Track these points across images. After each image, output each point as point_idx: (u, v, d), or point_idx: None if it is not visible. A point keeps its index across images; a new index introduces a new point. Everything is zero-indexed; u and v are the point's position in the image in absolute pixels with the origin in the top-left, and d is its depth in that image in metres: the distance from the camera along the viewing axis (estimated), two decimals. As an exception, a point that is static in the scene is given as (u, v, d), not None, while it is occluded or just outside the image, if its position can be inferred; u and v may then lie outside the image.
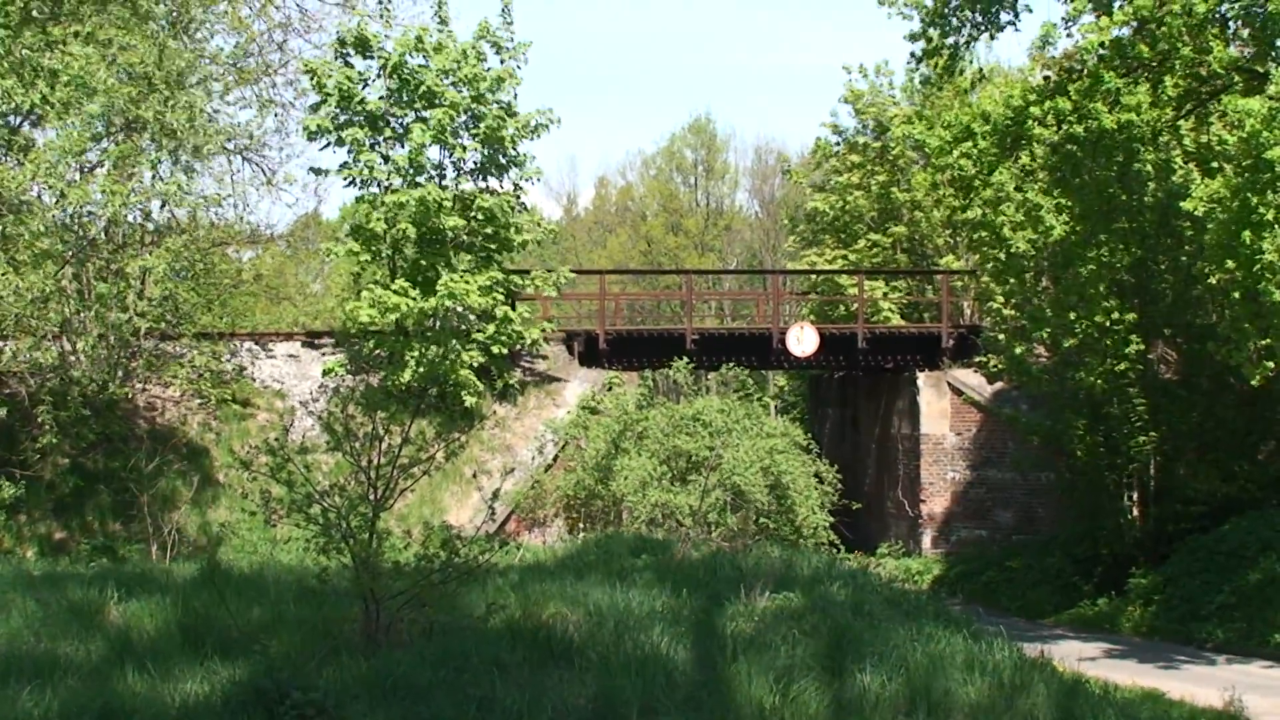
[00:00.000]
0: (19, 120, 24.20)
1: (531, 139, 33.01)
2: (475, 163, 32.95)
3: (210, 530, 28.30)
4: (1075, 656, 17.51)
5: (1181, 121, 25.02)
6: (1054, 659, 13.13)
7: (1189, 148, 25.97)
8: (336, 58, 32.50)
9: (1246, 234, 20.32)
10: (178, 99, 26.66)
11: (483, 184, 33.08)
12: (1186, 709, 15.55)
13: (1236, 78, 22.97)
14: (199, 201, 29.32)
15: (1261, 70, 22.71)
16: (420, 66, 31.94)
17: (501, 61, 32.76)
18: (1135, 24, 22.94)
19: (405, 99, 32.11)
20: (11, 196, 21.97)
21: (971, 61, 25.60)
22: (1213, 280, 22.30)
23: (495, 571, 13.14)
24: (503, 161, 32.86)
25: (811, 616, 12.41)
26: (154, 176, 29.30)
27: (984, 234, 28.01)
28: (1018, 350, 30.28)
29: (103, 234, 26.77)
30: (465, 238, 32.06)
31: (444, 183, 32.33)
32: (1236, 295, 21.81)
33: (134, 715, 9.15)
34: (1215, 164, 23.04)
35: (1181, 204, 23.69)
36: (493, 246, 32.56)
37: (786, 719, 9.72)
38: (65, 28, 23.61)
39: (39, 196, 23.59)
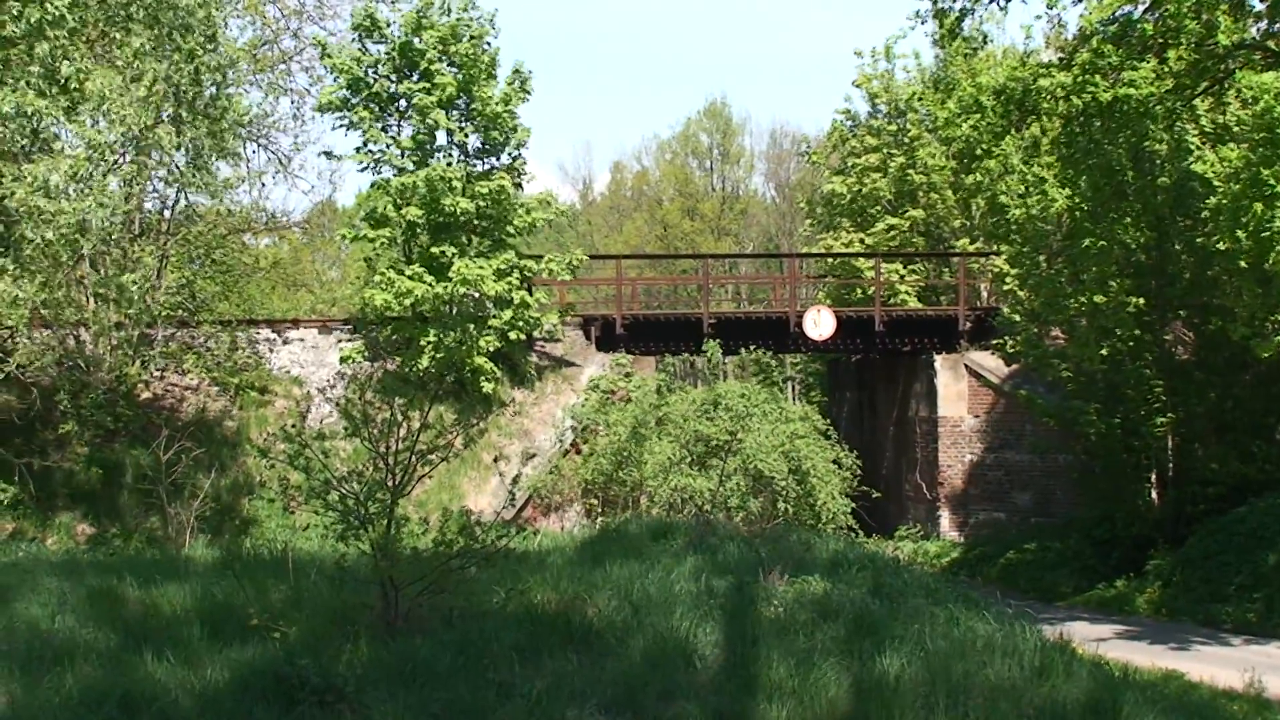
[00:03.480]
0: (36, 126, 23.84)
1: (520, 101, 33.16)
2: (477, 145, 33.10)
3: (229, 517, 28.38)
4: (1093, 638, 17.48)
5: (1197, 101, 24.93)
6: (1073, 640, 13.10)
7: (1206, 127, 25.88)
8: (355, 43, 32.72)
9: (1258, 206, 20.29)
10: (212, 105, 26.60)
11: (485, 166, 33.21)
12: (1206, 690, 15.51)
13: (1256, 55, 22.87)
14: (217, 186, 29.30)
15: (1276, 47, 22.62)
16: (418, 47, 32.21)
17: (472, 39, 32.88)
18: (1145, 1, 22.86)
19: (414, 79, 32.31)
20: (21, 205, 21.80)
21: (978, 25, 25.43)
22: (1222, 246, 22.24)
23: (514, 557, 13.12)
24: (498, 138, 32.93)
25: (831, 600, 12.40)
26: (170, 171, 29.36)
27: (985, 201, 28.11)
28: (1031, 330, 30.38)
29: (106, 238, 26.62)
30: (475, 221, 32.12)
31: (447, 164, 32.42)
32: (1244, 264, 21.81)
33: (154, 701, 9.17)
34: (1231, 145, 22.97)
35: (1194, 167, 23.67)
36: (502, 231, 32.54)
37: (806, 703, 9.71)
38: (85, 42, 23.29)
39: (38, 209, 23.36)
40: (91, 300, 27.06)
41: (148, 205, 29.73)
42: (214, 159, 27.58)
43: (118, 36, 23.10)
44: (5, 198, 21.59)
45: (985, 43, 27.49)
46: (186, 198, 30.11)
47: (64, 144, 23.66)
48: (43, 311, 25.17)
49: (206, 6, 24.49)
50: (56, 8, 20.45)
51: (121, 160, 25.85)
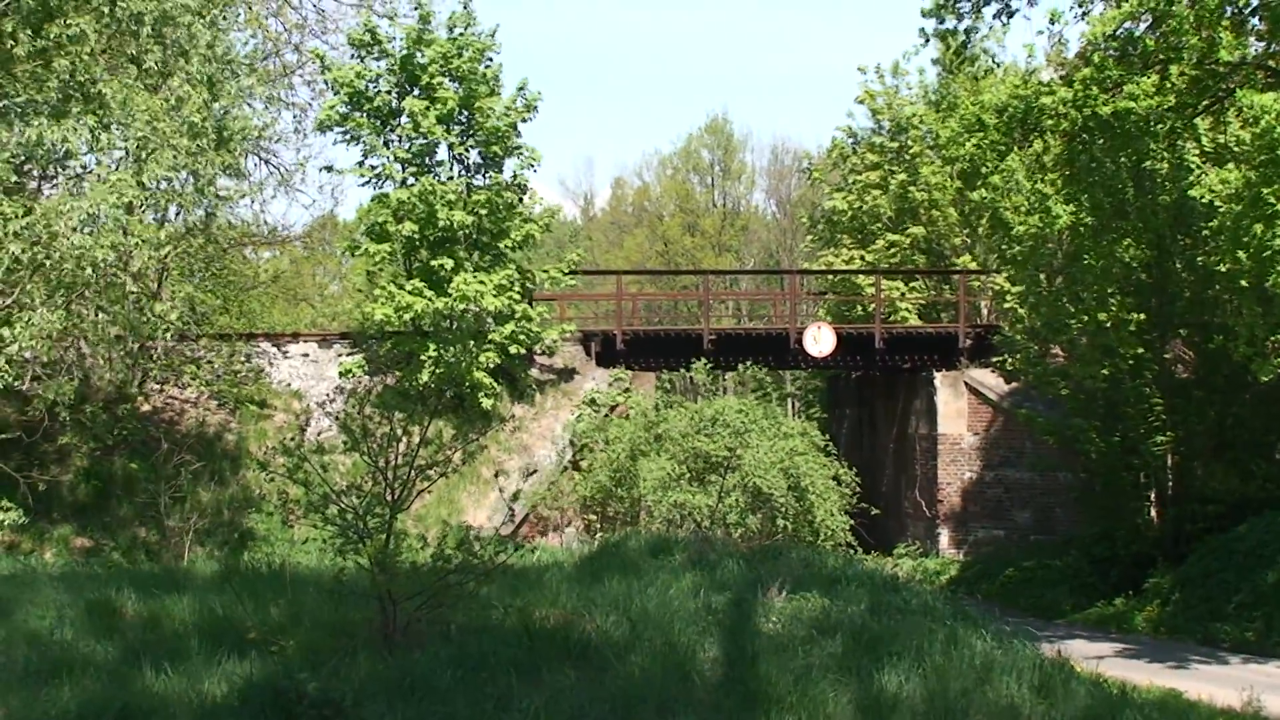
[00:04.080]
0: (60, 154, 23.50)
1: (524, 119, 33.18)
2: (478, 158, 33.16)
3: (228, 530, 28.34)
4: (1091, 656, 17.46)
5: (1198, 120, 24.95)
6: (1071, 658, 13.10)
7: (1206, 147, 25.90)
8: (353, 57, 32.79)
9: (1258, 227, 20.32)
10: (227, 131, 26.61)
11: (486, 181, 33.29)
12: (1204, 709, 15.48)
13: (1257, 74, 22.91)
14: (216, 202, 29.27)
15: (1277, 66, 22.66)
16: (419, 62, 32.29)
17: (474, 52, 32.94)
18: (1148, 19, 22.91)
19: (416, 94, 32.38)
20: (44, 233, 21.66)
21: (981, 46, 25.47)
22: (1223, 267, 22.28)
23: (513, 572, 13.13)
24: (500, 153, 32.95)
25: (829, 616, 12.40)
26: (170, 185, 29.34)
27: (987, 218, 28.19)
28: (1032, 348, 30.40)
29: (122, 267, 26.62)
30: (474, 235, 32.15)
31: (448, 179, 32.46)
32: (1244, 284, 21.85)
33: (152, 715, 9.17)
34: (1231, 165, 22.98)
35: (1191, 191, 23.73)
36: (502, 245, 32.54)
37: (805, 719, 9.71)
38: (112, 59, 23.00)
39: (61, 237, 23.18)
40: (92, 312, 27.04)
41: (149, 217, 29.74)
42: (218, 175, 27.58)
43: (131, 53, 22.97)
44: (31, 225, 21.45)
45: (995, 65, 27.68)
46: (188, 215, 30.07)
47: (87, 168, 23.60)
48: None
49: (213, 28, 24.41)
50: (75, 24, 20.38)
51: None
